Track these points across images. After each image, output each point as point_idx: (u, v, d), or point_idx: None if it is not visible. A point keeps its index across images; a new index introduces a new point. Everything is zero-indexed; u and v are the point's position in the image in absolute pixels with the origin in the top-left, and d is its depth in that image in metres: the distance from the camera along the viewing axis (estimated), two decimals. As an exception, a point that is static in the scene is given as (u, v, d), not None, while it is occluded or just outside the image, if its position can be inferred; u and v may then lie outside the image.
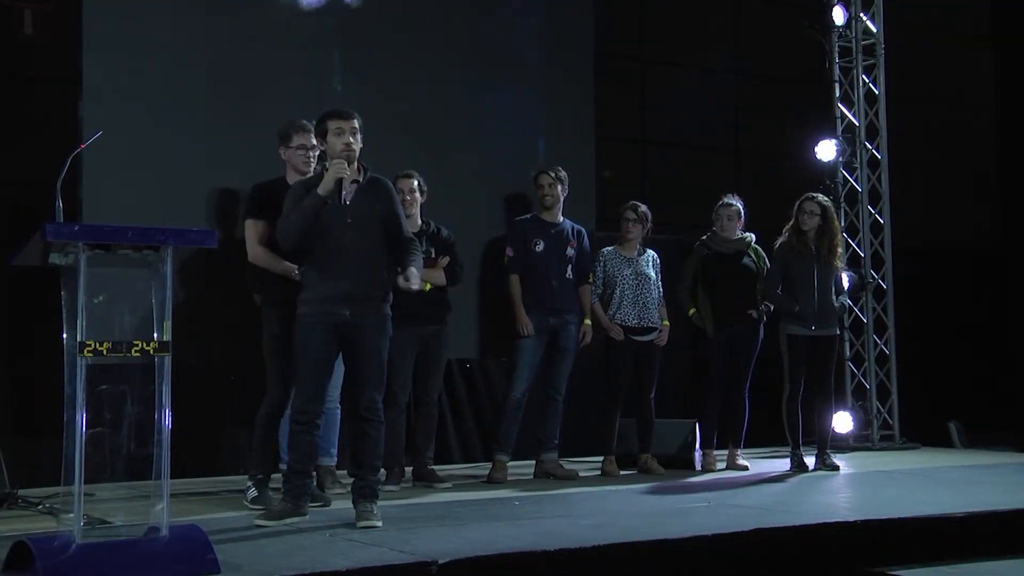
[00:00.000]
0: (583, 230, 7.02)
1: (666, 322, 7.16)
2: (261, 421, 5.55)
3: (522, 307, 6.72)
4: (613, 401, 7.07)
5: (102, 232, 3.82)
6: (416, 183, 6.40)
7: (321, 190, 4.83)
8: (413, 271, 4.94)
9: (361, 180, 4.97)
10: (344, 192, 4.86)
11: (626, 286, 7.03)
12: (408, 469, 6.50)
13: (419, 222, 6.47)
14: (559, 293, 6.81)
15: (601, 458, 7.11)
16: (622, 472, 7.02)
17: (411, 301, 6.30)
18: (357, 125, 4.94)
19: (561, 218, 6.93)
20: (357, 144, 4.94)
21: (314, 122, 5.10)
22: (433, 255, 6.46)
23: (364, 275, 4.87)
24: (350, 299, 4.84)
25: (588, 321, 6.98)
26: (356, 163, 4.98)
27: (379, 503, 5.58)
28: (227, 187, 6.26)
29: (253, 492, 5.55)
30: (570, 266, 6.88)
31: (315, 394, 4.92)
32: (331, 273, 4.85)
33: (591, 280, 7.03)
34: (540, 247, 6.81)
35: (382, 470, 6.33)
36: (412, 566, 3.94)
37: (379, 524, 4.78)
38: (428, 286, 6.39)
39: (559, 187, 6.85)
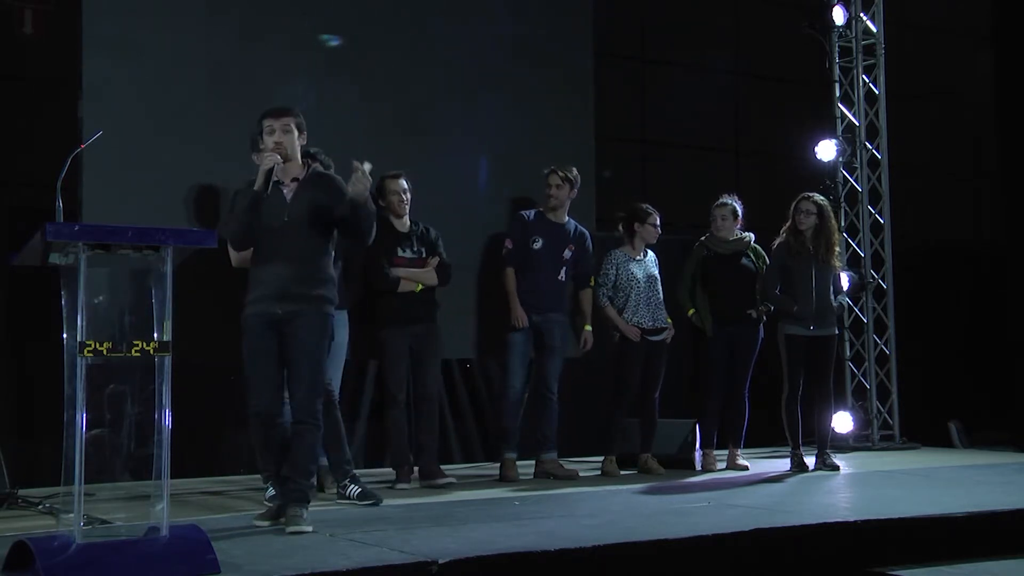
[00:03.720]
0: (586, 232, 7.01)
1: (670, 320, 7.17)
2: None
3: (517, 300, 6.72)
4: (622, 401, 7.06)
5: (102, 232, 3.82)
6: (406, 183, 6.41)
7: (256, 185, 4.78)
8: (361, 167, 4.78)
9: (301, 177, 4.90)
10: (283, 187, 4.81)
11: (640, 289, 7.03)
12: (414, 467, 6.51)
13: (408, 223, 6.48)
14: (547, 293, 6.81)
15: (601, 458, 7.11)
16: (622, 472, 7.02)
17: (403, 303, 6.34)
18: (292, 123, 4.87)
19: (566, 218, 6.92)
20: (293, 141, 4.87)
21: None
22: (424, 255, 6.47)
23: (300, 273, 4.80)
24: (283, 297, 4.77)
25: (588, 327, 6.96)
26: (299, 160, 4.92)
27: (384, 502, 5.61)
28: (227, 187, 6.25)
29: (271, 491, 5.57)
30: (564, 268, 6.87)
31: (269, 390, 4.86)
32: (267, 271, 4.80)
33: (593, 283, 7.02)
34: (538, 245, 6.80)
35: (390, 469, 6.40)
36: (412, 566, 3.94)
37: (309, 529, 4.66)
38: (419, 287, 6.41)
39: (567, 189, 6.83)
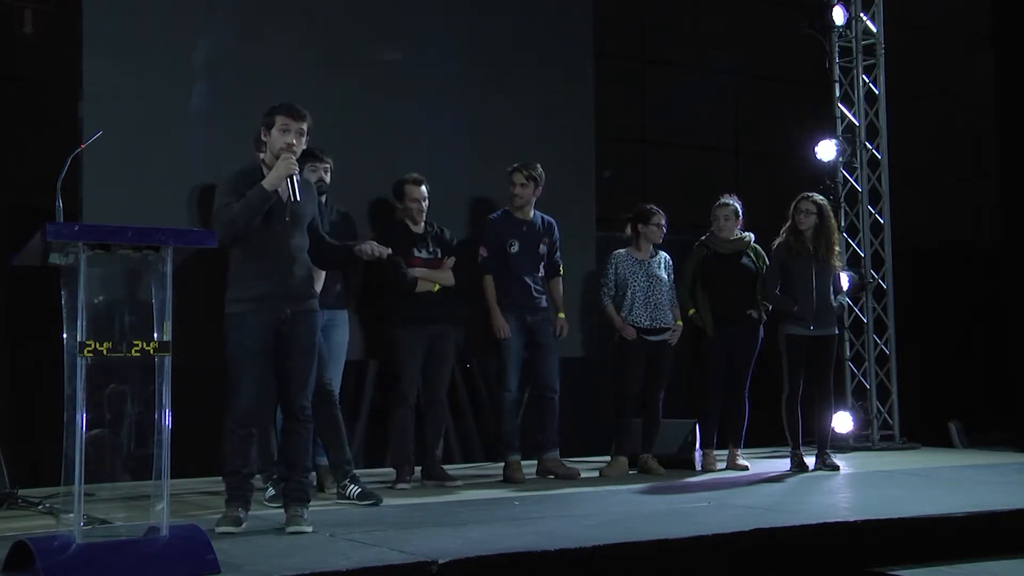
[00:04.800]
0: (553, 222, 6.98)
1: (679, 322, 7.17)
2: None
3: (498, 309, 6.71)
4: (627, 403, 7.06)
5: (102, 232, 3.82)
6: (426, 190, 6.43)
7: (268, 184, 4.71)
8: (371, 242, 5.04)
9: (299, 180, 4.88)
10: (295, 189, 4.76)
11: (638, 288, 7.04)
12: (416, 468, 6.50)
13: (423, 225, 6.49)
14: (535, 292, 6.81)
15: (603, 457, 7.10)
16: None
17: (420, 302, 6.35)
18: (305, 127, 4.85)
19: (532, 213, 6.91)
20: (300, 146, 4.86)
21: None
22: (439, 256, 6.49)
23: (301, 272, 4.83)
24: (290, 296, 4.77)
25: (562, 314, 6.95)
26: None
27: (384, 502, 5.61)
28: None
29: (271, 491, 5.59)
30: (542, 264, 6.88)
31: (258, 393, 4.82)
32: (272, 271, 4.76)
33: (561, 272, 7.00)
34: (515, 248, 6.78)
35: (392, 469, 6.40)
36: (412, 566, 3.94)
37: (309, 530, 4.67)
38: (436, 287, 6.42)
39: (532, 187, 6.80)
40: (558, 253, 6.99)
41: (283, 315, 4.77)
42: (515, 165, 6.82)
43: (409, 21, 7.08)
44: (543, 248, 6.89)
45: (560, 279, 7.00)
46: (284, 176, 4.73)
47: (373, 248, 5.00)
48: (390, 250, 5.12)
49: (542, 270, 6.88)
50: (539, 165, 6.82)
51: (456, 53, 7.22)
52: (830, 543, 4.83)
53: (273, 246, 4.78)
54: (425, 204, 6.46)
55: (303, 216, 4.87)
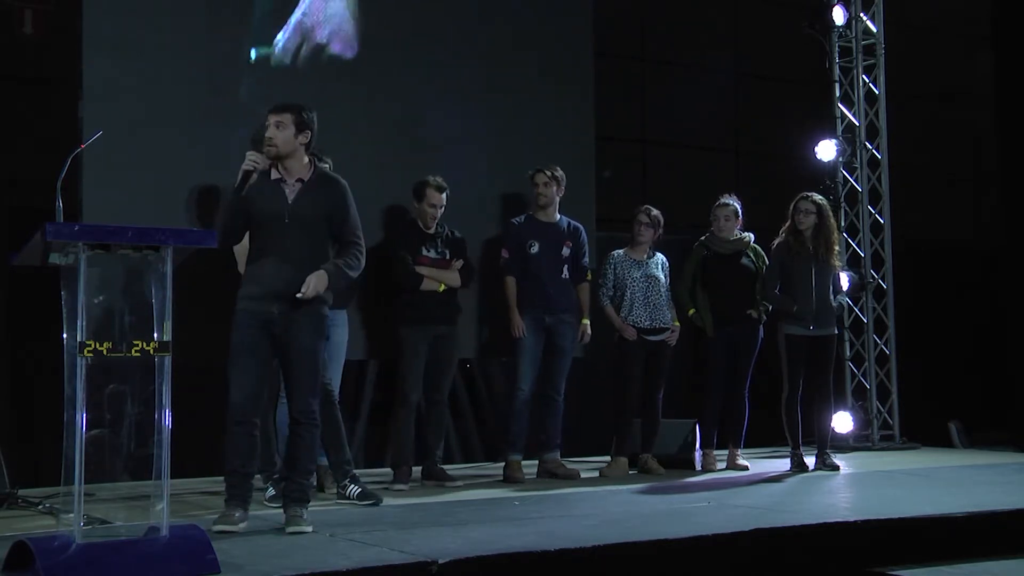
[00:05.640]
0: (580, 227, 7.00)
1: (677, 322, 7.17)
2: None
3: (516, 310, 6.71)
4: (629, 404, 7.06)
5: (102, 232, 3.83)
6: (445, 198, 6.45)
7: (236, 185, 4.81)
8: (309, 280, 4.71)
9: (306, 178, 4.87)
10: (285, 187, 4.81)
11: (636, 288, 7.04)
12: (416, 468, 6.50)
13: (434, 227, 6.50)
14: (554, 294, 6.80)
15: (606, 457, 7.10)
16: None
17: (425, 302, 6.36)
18: (290, 119, 4.81)
19: (557, 216, 6.92)
20: (289, 138, 4.81)
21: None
22: (448, 257, 6.50)
23: (300, 274, 4.74)
24: (282, 297, 4.74)
25: (586, 320, 6.96)
26: (303, 159, 4.88)
27: (384, 502, 5.61)
28: (227, 187, 6.25)
29: (271, 491, 5.59)
30: (565, 266, 6.88)
31: (250, 388, 4.80)
32: (266, 271, 4.77)
33: (589, 277, 7.02)
34: (535, 249, 6.79)
35: (391, 470, 6.40)
36: (412, 566, 3.95)
37: (309, 529, 4.67)
38: (442, 287, 6.44)
39: (555, 187, 6.82)
40: (586, 259, 6.99)
41: (270, 315, 4.75)
42: (536, 167, 6.85)
43: (408, 22, 7.07)
44: (567, 251, 6.88)
45: (587, 284, 6.99)
46: (241, 172, 4.79)
47: (306, 288, 4.76)
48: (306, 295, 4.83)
49: (566, 272, 6.87)
50: (559, 168, 6.86)
51: (456, 53, 7.21)
52: (830, 543, 4.84)
53: (270, 245, 4.79)
54: (441, 211, 6.47)
55: (309, 217, 4.83)
